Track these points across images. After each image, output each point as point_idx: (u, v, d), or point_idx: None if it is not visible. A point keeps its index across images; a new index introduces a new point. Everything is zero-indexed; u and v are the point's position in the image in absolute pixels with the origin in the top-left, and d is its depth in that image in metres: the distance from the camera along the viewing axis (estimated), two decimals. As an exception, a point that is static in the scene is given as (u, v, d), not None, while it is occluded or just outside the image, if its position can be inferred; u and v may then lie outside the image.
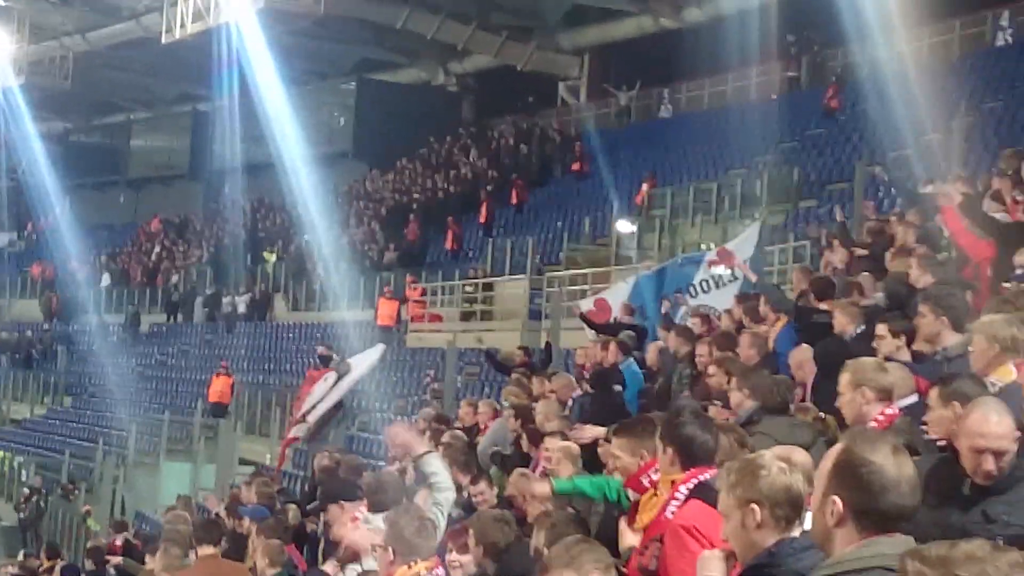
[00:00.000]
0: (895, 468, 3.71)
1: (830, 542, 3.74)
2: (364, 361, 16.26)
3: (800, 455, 5.18)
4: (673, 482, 5.80)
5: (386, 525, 7.21)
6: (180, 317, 43.68)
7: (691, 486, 5.65)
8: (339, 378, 15.93)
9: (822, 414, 8.61)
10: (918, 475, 3.81)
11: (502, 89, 45.05)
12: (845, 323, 10.27)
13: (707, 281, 17.44)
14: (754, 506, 4.32)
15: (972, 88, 26.74)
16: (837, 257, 14.14)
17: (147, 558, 13.33)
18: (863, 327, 10.02)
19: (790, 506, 4.33)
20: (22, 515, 30.79)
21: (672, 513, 5.63)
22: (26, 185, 52.07)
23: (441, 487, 8.65)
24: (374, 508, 9.44)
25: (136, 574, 14.64)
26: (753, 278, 14.77)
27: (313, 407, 15.91)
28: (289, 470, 24.48)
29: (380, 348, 16.84)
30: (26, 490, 31.23)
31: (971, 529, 4.31)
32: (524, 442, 11.86)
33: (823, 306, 11.61)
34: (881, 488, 3.68)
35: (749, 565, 4.36)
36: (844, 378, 6.98)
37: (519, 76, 43.35)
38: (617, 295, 19.04)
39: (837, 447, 3.86)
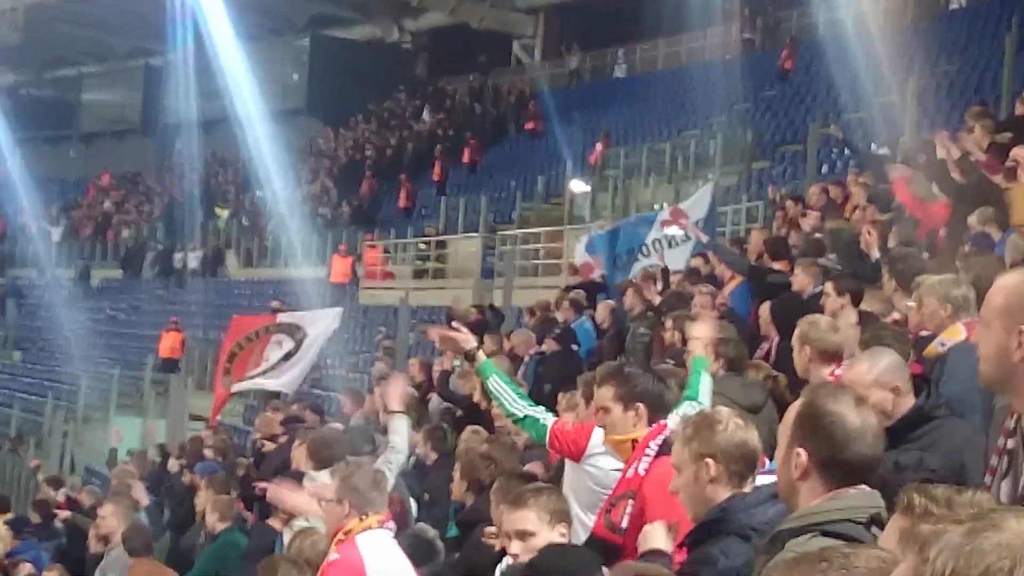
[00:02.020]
0: (858, 418, 3.73)
1: (795, 495, 3.75)
2: (320, 327, 16.08)
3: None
4: (635, 441, 5.81)
5: (338, 479, 7.20)
6: (131, 272, 43.43)
7: (659, 443, 5.66)
8: (295, 346, 15.69)
9: (773, 372, 8.67)
10: (881, 425, 3.84)
11: (456, 47, 44.90)
12: (805, 282, 10.30)
13: (660, 241, 17.44)
14: (709, 460, 4.36)
15: (926, 51, 26.83)
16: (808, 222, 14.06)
17: (98, 511, 13.27)
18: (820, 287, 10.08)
19: (744, 462, 4.38)
20: None
21: (645, 470, 5.62)
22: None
23: (397, 448, 8.72)
24: (319, 465, 9.47)
25: (85, 527, 14.58)
26: (704, 239, 14.79)
27: (263, 373, 15.70)
28: (240, 425, 24.49)
29: (336, 312, 16.71)
30: None
31: (887, 477, 4.34)
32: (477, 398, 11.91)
33: (777, 265, 11.66)
34: (845, 438, 3.69)
35: (701, 521, 4.39)
36: (795, 335, 7.03)
37: (473, 34, 43.22)
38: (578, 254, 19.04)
39: (800, 400, 3.88)
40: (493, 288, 27.15)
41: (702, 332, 7.46)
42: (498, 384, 6.90)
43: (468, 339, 7.29)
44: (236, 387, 16.23)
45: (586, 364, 12.80)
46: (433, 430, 10.93)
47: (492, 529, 6.59)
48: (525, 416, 6.75)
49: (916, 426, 5.42)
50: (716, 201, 18.68)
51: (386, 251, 33.15)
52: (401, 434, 8.85)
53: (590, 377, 7.40)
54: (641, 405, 5.92)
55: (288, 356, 15.50)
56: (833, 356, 6.86)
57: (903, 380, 5.50)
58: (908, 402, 5.48)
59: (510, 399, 6.84)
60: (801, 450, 3.72)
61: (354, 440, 10.24)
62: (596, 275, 17.54)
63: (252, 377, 15.67)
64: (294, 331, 15.65)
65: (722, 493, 4.36)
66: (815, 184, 16.81)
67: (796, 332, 7.02)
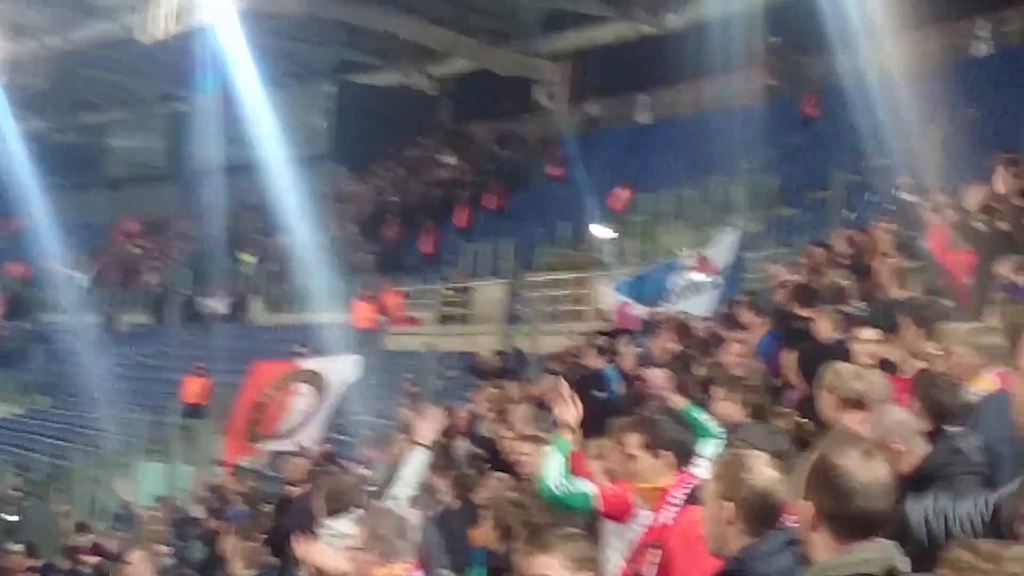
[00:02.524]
0: (865, 472, 3.74)
1: (809, 546, 3.80)
2: (341, 375, 16.10)
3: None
4: (661, 490, 5.81)
5: (362, 527, 7.23)
6: (157, 317, 43.57)
7: (687, 492, 5.66)
8: (317, 396, 15.71)
9: (799, 419, 8.68)
10: (891, 478, 3.85)
11: (480, 93, 45.05)
12: (827, 328, 10.31)
13: (684, 287, 17.47)
14: (728, 504, 4.39)
15: (951, 97, 26.85)
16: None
17: (125, 557, 13.33)
18: (845, 334, 10.08)
19: (763, 512, 4.39)
20: (15, 518, 30.49)
21: (672, 520, 5.62)
22: (3, 183, 51.84)
23: (403, 480, 8.75)
24: (333, 512, 9.52)
25: (112, 574, 14.62)
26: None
27: (294, 430, 15.71)
28: (266, 471, 24.48)
29: (356, 360, 16.74)
30: (20, 493, 30.98)
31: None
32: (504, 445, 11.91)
33: (804, 312, 11.67)
34: (847, 492, 3.71)
35: (718, 573, 4.43)
36: (820, 383, 7.04)
37: (497, 80, 43.36)
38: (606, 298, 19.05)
39: (813, 451, 3.91)
40: (518, 334, 27.21)
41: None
42: (557, 461, 6.99)
43: (576, 415, 7.43)
44: (268, 446, 16.25)
45: (613, 411, 12.80)
46: (459, 476, 10.95)
47: None
48: (565, 494, 6.76)
49: (923, 484, 5.43)
50: (742, 247, 18.70)
51: (411, 297, 33.19)
52: (413, 467, 8.86)
53: (621, 424, 7.41)
54: (668, 452, 5.94)
55: (311, 408, 15.54)
56: (857, 404, 6.85)
57: (907, 439, 5.51)
58: (918, 453, 5.49)
59: (556, 477, 6.89)
60: (807, 503, 3.76)
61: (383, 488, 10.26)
62: (634, 317, 17.52)
63: (278, 436, 15.68)
64: (315, 380, 15.69)
65: (737, 539, 4.40)
66: (841, 230, 16.82)
67: (822, 381, 7.02)
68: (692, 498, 5.48)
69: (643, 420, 6.34)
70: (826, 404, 6.91)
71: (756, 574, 4.33)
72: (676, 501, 5.64)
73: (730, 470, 4.55)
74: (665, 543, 5.55)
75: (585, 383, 13.65)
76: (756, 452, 4.70)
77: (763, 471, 4.48)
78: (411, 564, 6.83)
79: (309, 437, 15.63)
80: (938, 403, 6.50)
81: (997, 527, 4.33)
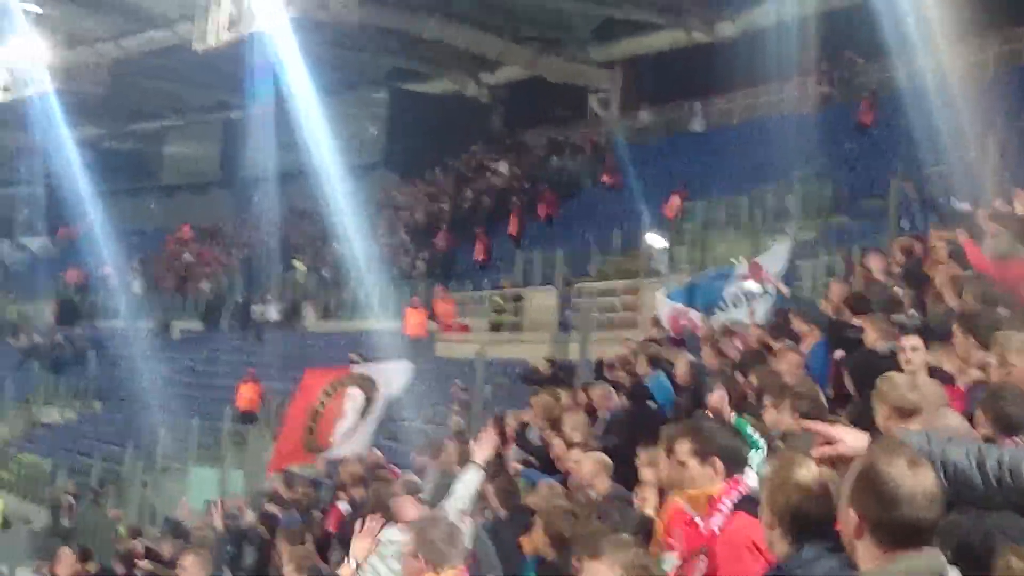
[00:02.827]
0: (911, 480, 3.71)
1: (854, 553, 3.78)
2: (392, 381, 16.10)
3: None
4: (710, 497, 5.77)
5: (414, 533, 7.25)
6: (210, 324, 43.82)
7: (735, 500, 5.62)
8: (367, 401, 15.71)
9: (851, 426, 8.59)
10: (938, 487, 3.80)
11: (533, 100, 45.08)
12: (875, 338, 10.22)
13: (737, 295, 17.38)
14: (767, 509, 4.42)
15: (1007, 104, 26.62)
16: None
17: (179, 562, 13.38)
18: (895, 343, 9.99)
19: (796, 525, 4.40)
20: (66, 522, 30.72)
21: (719, 527, 5.59)
22: (60, 190, 52.32)
23: (456, 494, 8.81)
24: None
25: (164, 579, 14.67)
26: (785, 291, 14.71)
27: (346, 436, 15.69)
28: (321, 478, 24.50)
29: (408, 367, 16.72)
30: (71, 498, 31.19)
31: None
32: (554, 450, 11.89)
33: (857, 321, 11.57)
34: (893, 500, 3.68)
35: None
36: (874, 393, 6.97)
37: (550, 88, 43.37)
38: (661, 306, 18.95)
39: (860, 458, 3.87)
40: (569, 342, 27.15)
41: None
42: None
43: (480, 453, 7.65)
44: (324, 455, 16.25)
45: (664, 420, 12.74)
46: (504, 485, 10.93)
47: None
48: None
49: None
50: (794, 255, 18.59)
51: (462, 304, 33.22)
52: (466, 484, 8.94)
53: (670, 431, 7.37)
54: (717, 459, 5.89)
55: (362, 414, 15.52)
56: (910, 413, 6.78)
57: None
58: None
59: None
60: (851, 510, 3.73)
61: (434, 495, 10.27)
62: (687, 326, 17.44)
63: (333, 445, 15.67)
64: (367, 384, 15.67)
65: (780, 544, 4.43)
66: (896, 238, 16.67)
67: (876, 391, 6.95)
68: (740, 505, 5.44)
69: (692, 427, 6.28)
70: (880, 413, 6.84)
71: None
72: (724, 508, 5.59)
73: (773, 477, 4.58)
74: (712, 550, 5.51)
75: (637, 392, 13.60)
76: (800, 459, 4.67)
77: (804, 478, 4.47)
78: (461, 570, 6.82)
79: (360, 442, 15.62)
80: (1006, 415, 6.42)
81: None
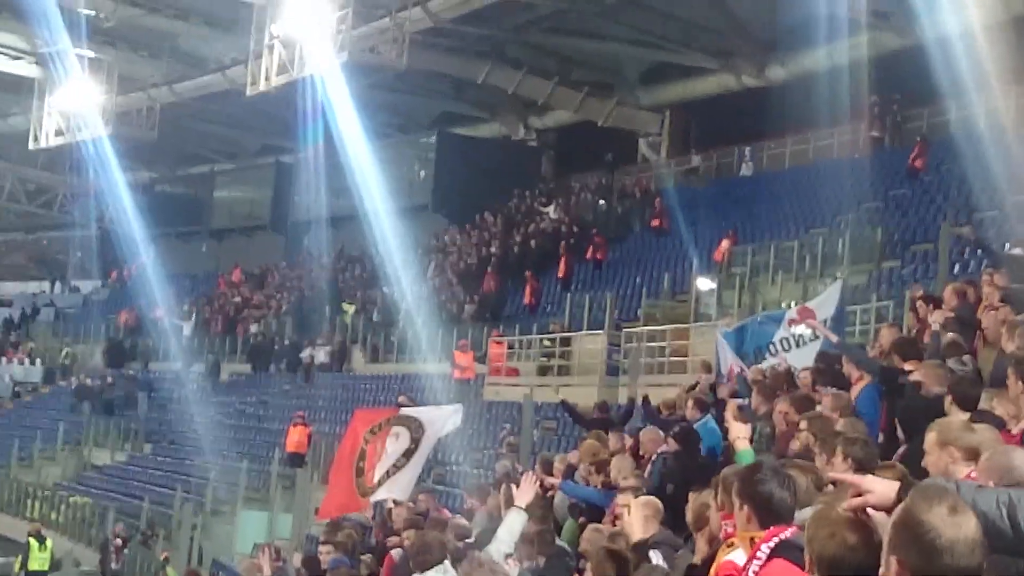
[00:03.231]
0: (952, 529, 3.64)
1: None
2: (440, 424, 16.03)
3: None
4: (752, 540, 5.73)
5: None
6: (260, 367, 43.98)
7: (772, 545, 5.57)
8: (412, 442, 15.65)
9: (907, 473, 8.50)
10: (979, 534, 3.73)
11: (582, 144, 45.14)
12: (931, 383, 10.13)
13: (787, 340, 17.27)
14: (809, 558, 4.34)
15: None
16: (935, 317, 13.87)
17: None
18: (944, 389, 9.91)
19: (837, 571, 4.32)
20: (115, 564, 30.80)
21: (755, 573, 5.55)
22: (112, 233, 52.80)
23: (499, 538, 8.80)
24: (420, 568, 9.66)
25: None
26: (833, 339, 14.60)
27: (387, 474, 15.62)
28: (364, 520, 24.47)
29: (457, 409, 16.65)
30: (119, 540, 31.29)
31: None
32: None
33: (908, 366, 11.47)
34: (934, 550, 3.61)
35: None
36: (930, 437, 6.87)
37: (599, 132, 43.42)
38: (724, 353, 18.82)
39: (900, 505, 3.80)
40: (618, 385, 27.07)
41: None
42: None
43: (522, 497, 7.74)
44: (372, 498, 16.19)
45: (712, 465, 12.66)
46: (541, 531, 10.88)
47: None
48: None
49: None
50: (845, 300, 18.48)
51: (510, 347, 33.22)
52: (509, 528, 8.93)
53: (727, 476, 7.33)
54: (747, 506, 5.84)
55: (408, 454, 15.44)
56: (974, 455, 6.72)
57: None
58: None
59: None
60: (893, 559, 3.66)
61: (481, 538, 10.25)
62: (736, 370, 17.33)
63: (379, 484, 15.59)
64: (412, 425, 15.62)
65: None
66: (948, 284, 16.53)
67: (932, 436, 6.87)
68: (779, 551, 5.38)
69: (742, 471, 6.23)
70: (943, 457, 6.77)
71: None
72: (762, 554, 5.53)
73: (812, 524, 4.49)
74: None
75: (685, 436, 13.52)
76: (838, 513, 4.61)
77: (832, 533, 4.40)
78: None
79: (403, 485, 15.56)
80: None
81: None
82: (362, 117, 39.84)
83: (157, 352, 48.13)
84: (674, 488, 11.03)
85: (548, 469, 15.28)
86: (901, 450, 9.72)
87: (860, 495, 4.29)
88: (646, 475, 12.57)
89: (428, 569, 9.66)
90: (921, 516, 3.66)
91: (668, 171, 41.51)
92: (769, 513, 5.76)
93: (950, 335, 12.38)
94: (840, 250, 28.74)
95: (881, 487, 4.30)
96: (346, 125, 39.81)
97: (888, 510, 4.28)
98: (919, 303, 15.31)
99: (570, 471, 14.29)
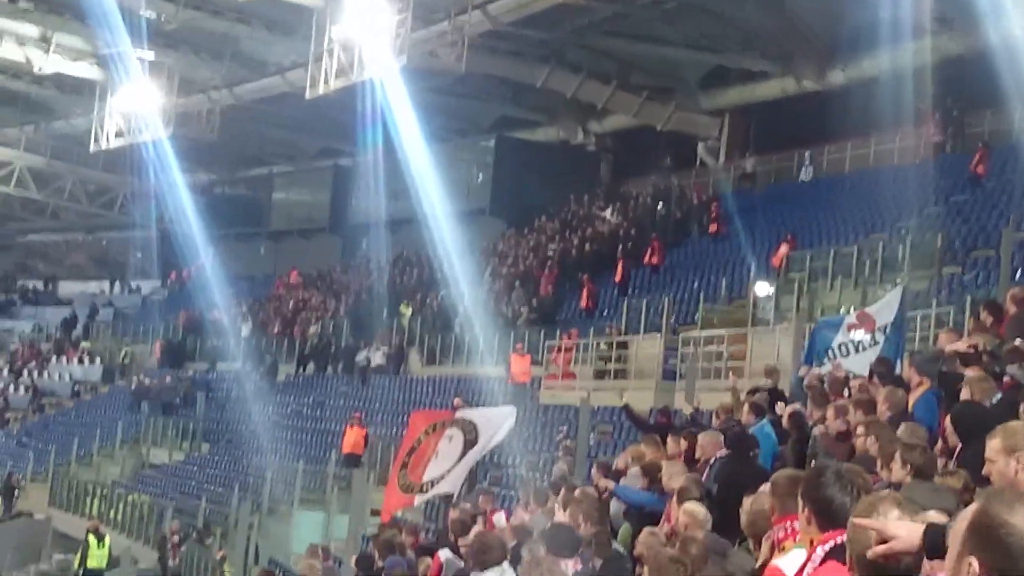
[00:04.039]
0: None
1: None
2: (495, 428, 16.06)
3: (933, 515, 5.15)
4: (812, 541, 5.71)
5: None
6: (316, 368, 44.17)
7: (828, 548, 5.55)
8: (466, 443, 15.68)
9: (968, 480, 8.44)
10: None
11: (640, 149, 45.06)
12: (977, 396, 10.07)
13: (845, 345, 17.16)
14: (850, 558, 4.36)
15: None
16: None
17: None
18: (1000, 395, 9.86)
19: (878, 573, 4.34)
20: (172, 562, 31.03)
21: (809, 575, 5.54)
22: (172, 234, 53.18)
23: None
24: (480, 567, 9.67)
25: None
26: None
27: (441, 477, 15.65)
28: (421, 521, 24.55)
29: (511, 411, 16.66)
30: (176, 537, 31.54)
31: None
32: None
33: (969, 372, 11.37)
34: (1021, 551, 3.56)
35: None
36: (994, 444, 6.77)
37: (658, 136, 43.33)
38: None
39: (973, 507, 3.74)
40: (675, 390, 26.99)
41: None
42: None
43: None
44: (418, 497, 16.24)
45: (771, 469, 12.59)
46: (598, 533, 10.86)
47: None
48: None
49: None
50: (905, 306, 18.33)
51: (567, 350, 33.21)
52: None
53: (778, 479, 7.29)
54: (808, 508, 5.84)
55: (461, 456, 15.48)
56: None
57: None
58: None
59: None
60: (973, 560, 3.60)
61: (555, 542, 10.23)
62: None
63: (426, 484, 15.63)
64: (467, 427, 15.66)
65: None
66: (1010, 289, 16.37)
67: (997, 443, 6.78)
68: (834, 553, 5.36)
69: (808, 473, 6.22)
70: (1003, 465, 6.69)
71: None
72: (817, 557, 5.52)
73: (851, 527, 4.59)
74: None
75: (741, 440, 13.45)
76: (885, 506, 4.64)
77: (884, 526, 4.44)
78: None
79: (452, 485, 15.60)
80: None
81: None
82: (421, 120, 39.94)
83: (215, 353, 48.39)
84: (726, 492, 10.98)
85: (606, 473, 15.27)
86: (955, 455, 9.65)
87: (884, 541, 4.33)
88: (704, 479, 12.52)
89: (487, 568, 9.69)
90: (1004, 517, 3.61)
91: (727, 176, 41.34)
92: (828, 516, 5.74)
93: (1018, 341, 12.28)
94: (900, 256, 28.53)
95: (905, 532, 4.34)
96: (405, 128, 39.93)
97: (911, 554, 4.31)
98: (983, 311, 15.17)
99: (616, 475, 14.25)
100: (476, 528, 13.54)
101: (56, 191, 59.24)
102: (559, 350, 32.77)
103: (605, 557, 10.38)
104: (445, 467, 15.38)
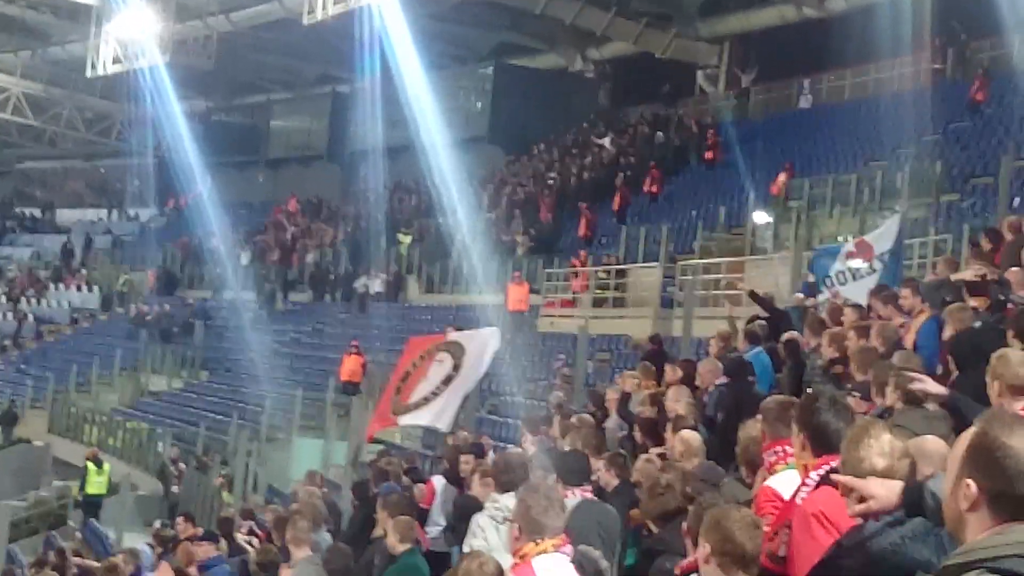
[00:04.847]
0: None
1: (962, 528, 3.64)
2: (481, 350, 16.04)
3: (933, 442, 5.18)
4: (805, 467, 5.74)
5: (516, 502, 7.26)
6: (315, 296, 44.21)
7: (822, 472, 5.57)
8: (454, 367, 15.68)
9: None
10: None
11: (640, 76, 44.87)
12: (957, 324, 10.10)
13: (843, 273, 17.16)
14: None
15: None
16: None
17: (274, 535, 13.55)
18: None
19: None
20: (176, 488, 31.22)
21: (802, 499, 5.56)
22: (169, 162, 53.00)
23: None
24: (503, 488, 9.64)
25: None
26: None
27: (425, 399, 15.67)
28: (419, 448, 24.67)
29: (495, 332, 16.64)
30: (182, 465, 31.69)
31: None
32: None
33: (972, 302, 11.38)
34: (1018, 473, 3.56)
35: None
36: (988, 368, 6.85)
37: (657, 64, 43.12)
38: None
39: (971, 430, 3.75)
40: (672, 318, 27.03)
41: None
42: None
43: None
44: (401, 420, 16.33)
45: (763, 396, 12.62)
46: (613, 456, 10.89)
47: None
48: None
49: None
50: (903, 233, 18.31)
51: (564, 279, 33.21)
52: None
53: (768, 405, 7.31)
54: (803, 434, 5.86)
55: (448, 380, 15.52)
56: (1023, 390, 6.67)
57: None
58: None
59: None
60: (971, 481, 3.61)
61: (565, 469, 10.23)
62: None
63: (415, 406, 15.67)
64: (456, 350, 15.70)
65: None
66: (1006, 217, 16.36)
67: (989, 368, 6.84)
68: (826, 479, 5.39)
69: (803, 398, 6.24)
70: (993, 389, 6.74)
71: (849, 559, 4.42)
72: (811, 481, 5.55)
73: (845, 448, 4.78)
74: (792, 522, 5.49)
75: (737, 368, 13.49)
76: (874, 431, 4.76)
77: (871, 450, 4.60)
78: (560, 541, 6.78)
79: (438, 412, 15.64)
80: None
81: None
82: (419, 47, 39.72)
83: (214, 281, 48.41)
84: (726, 419, 11.03)
85: (599, 402, 15.33)
86: (950, 381, 9.68)
87: (863, 500, 4.41)
88: (704, 408, 12.57)
89: (511, 490, 9.60)
90: (1002, 439, 3.62)
91: (726, 103, 41.18)
92: (823, 442, 5.76)
93: (1014, 269, 12.28)
94: (899, 183, 28.48)
95: (884, 491, 4.40)
96: (403, 55, 39.71)
97: (890, 512, 4.41)
98: (983, 238, 15.15)
99: (624, 399, 14.31)
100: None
101: (53, 118, 59.06)
102: (575, 276, 32.68)
103: (621, 478, 10.33)
104: (429, 390, 15.42)
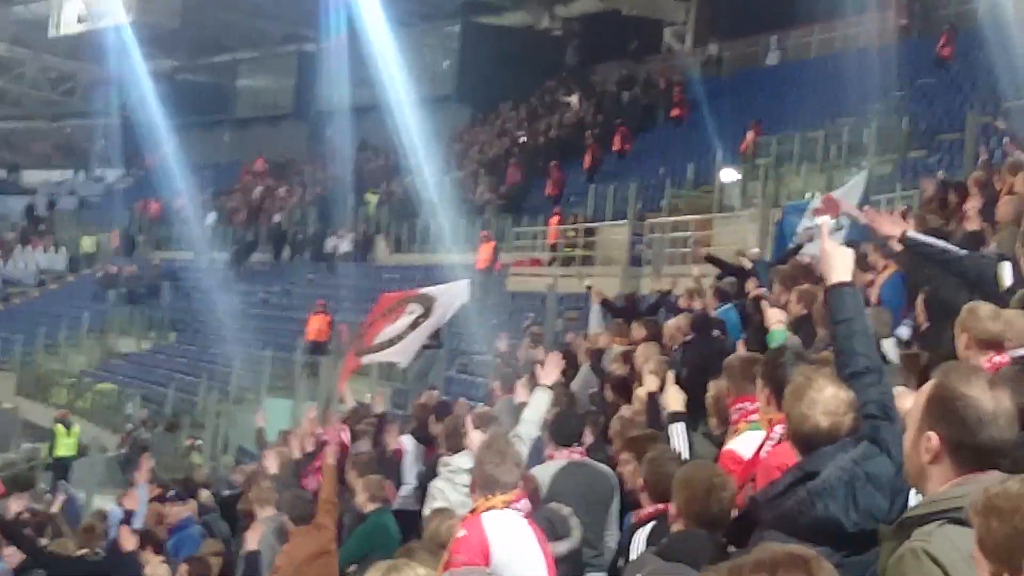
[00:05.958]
0: (992, 401, 3.64)
1: (925, 479, 3.69)
2: (450, 299, 16.07)
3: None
4: (770, 421, 5.78)
5: (475, 460, 7.30)
6: (283, 256, 44.08)
7: (785, 426, 5.61)
8: (424, 313, 15.73)
9: (914, 351, 8.57)
10: (1015, 408, 3.74)
11: (607, 34, 44.75)
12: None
13: (811, 230, 17.19)
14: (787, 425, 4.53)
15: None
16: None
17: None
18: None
19: (814, 438, 4.71)
20: (124, 450, 31.19)
21: (766, 453, 5.61)
22: (135, 122, 52.64)
23: (526, 419, 8.80)
24: (451, 450, 9.77)
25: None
26: (862, 220, 14.51)
27: (390, 341, 15.70)
28: (388, 408, 24.62)
29: (465, 284, 16.65)
30: (153, 428, 31.60)
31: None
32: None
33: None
34: (977, 421, 3.60)
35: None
36: (957, 320, 6.90)
37: (624, 21, 43.01)
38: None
39: (930, 382, 3.79)
40: (641, 276, 27.07)
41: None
42: None
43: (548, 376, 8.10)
44: (365, 359, 16.37)
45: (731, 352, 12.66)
46: (592, 414, 10.93)
47: None
48: None
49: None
50: (870, 190, 18.37)
51: (533, 237, 33.18)
52: (536, 407, 8.92)
53: (732, 362, 7.37)
54: (768, 388, 5.90)
55: (415, 325, 15.54)
56: (991, 344, 6.70)
57: None
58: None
59: None
60: (932, 433, 3.65)
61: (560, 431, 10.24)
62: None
63: (378, 347, 15.70)
64: (426, 300, 15.73)
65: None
66: (973, 173, 16.39)
67: (958, 319, 6.89)
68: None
69: (768, 353, 6.28)
70: (960, 342, 6.78)
71: (763, 514, 4.53)
72: (775, 436, 5.59)
73: (791, 392, 4.79)
74: (756, 475, 5.54)
75: (704, 324, 13.53)
76: (819, 377, 4.81)
77: (815, 398, 4.64)
78: (513, 497, 6.79)
79: (401, 353, 15.67)
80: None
81: None
82: (385, 5, 39.53)
83: (180, 241, 48.20)
84: (688, 374, 11.05)
85: (568, 356, 15.32)
86: (920, 331, 9.74)
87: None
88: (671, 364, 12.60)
89: (460, 451, 9.72)
90: (960, 389, 3.65)
91: (693, 61, 41.14)
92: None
93: (973, 224, 12.32)
94: (866, 140, 28.55)
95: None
96: (370, 13, 39.51)
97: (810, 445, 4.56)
98: (950, 191, 15.18)
99: (597, 354, 14.34)
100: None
101: (16, 78, 58.61)
102: (556, 234, 32.62)
103: (597, 436, 10.33)
104: (395, 333, 15.43)
